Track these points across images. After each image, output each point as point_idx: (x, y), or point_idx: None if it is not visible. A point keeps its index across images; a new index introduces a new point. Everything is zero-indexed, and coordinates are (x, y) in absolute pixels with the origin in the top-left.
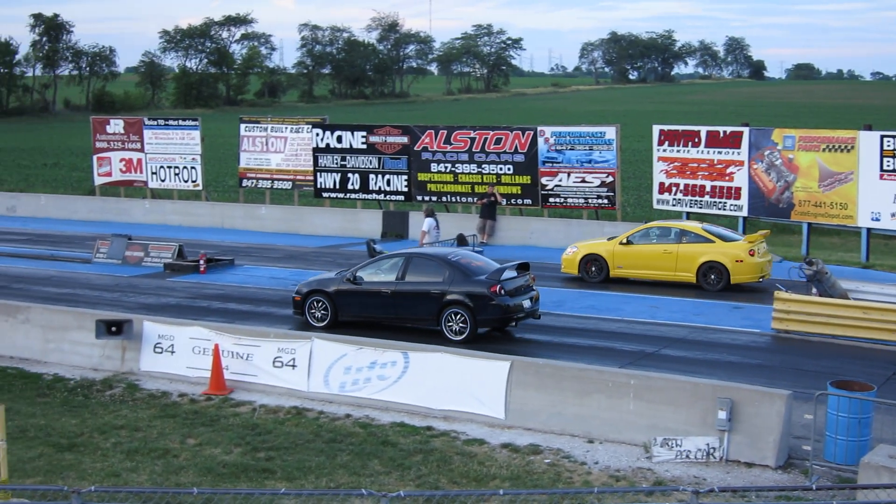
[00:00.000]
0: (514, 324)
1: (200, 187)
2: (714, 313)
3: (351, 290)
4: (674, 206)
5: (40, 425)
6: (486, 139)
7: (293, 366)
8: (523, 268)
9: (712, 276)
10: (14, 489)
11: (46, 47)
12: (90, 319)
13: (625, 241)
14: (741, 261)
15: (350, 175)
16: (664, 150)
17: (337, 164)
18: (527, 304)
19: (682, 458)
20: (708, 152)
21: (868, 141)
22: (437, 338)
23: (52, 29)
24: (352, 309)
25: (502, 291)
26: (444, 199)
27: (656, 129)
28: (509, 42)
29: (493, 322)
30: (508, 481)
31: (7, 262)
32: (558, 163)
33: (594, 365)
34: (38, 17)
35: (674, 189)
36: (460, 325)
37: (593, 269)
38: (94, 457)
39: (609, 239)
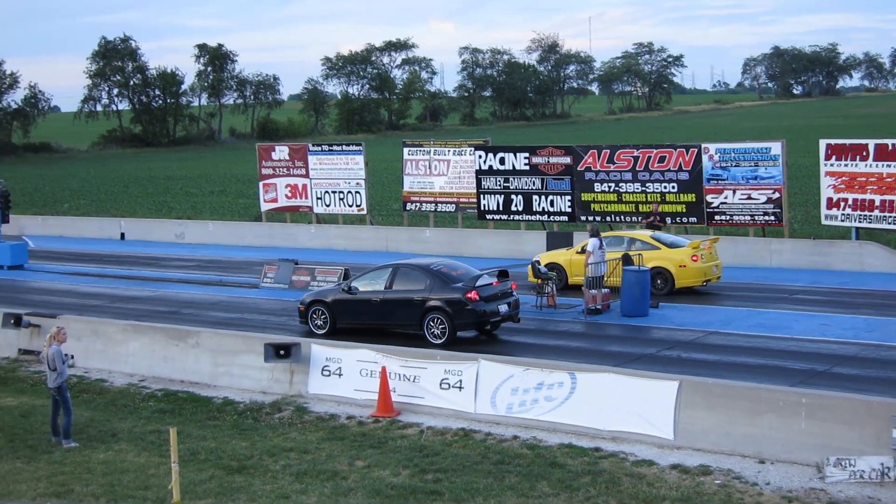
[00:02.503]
0: (488, 327)
1: (365, 211)
2: (887, 330)
3: (346, 299)
4: (842, 221)
5: (211, 448)
6: (649, 157)
7: (460, 387)
8: (503, 275)
9: (658, 281)
10: None
11: (211, 77)
12: (259, 343)
13: (580, 250)
14: (684, 266)
15: (513, 196)
16: (832, 165)
17: (500, 185)
18: (503, 308)
19: (855, 478)
20: (877, 166)
21: None
22: (421, 342)
23: (216, 59)
24: (347, 316)
25: (478, 297)
26: (608, 218)
27: (823, 143)
28: (670, 59)
29: (469, 326)
30: (679, 503)
31: (177, 288)
32: (723, 180)
33: (764, 384)
34: (202, 48)
35: (842, 204)
36: (440, 328)
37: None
38: (263, 479)
39: (567, 249)
